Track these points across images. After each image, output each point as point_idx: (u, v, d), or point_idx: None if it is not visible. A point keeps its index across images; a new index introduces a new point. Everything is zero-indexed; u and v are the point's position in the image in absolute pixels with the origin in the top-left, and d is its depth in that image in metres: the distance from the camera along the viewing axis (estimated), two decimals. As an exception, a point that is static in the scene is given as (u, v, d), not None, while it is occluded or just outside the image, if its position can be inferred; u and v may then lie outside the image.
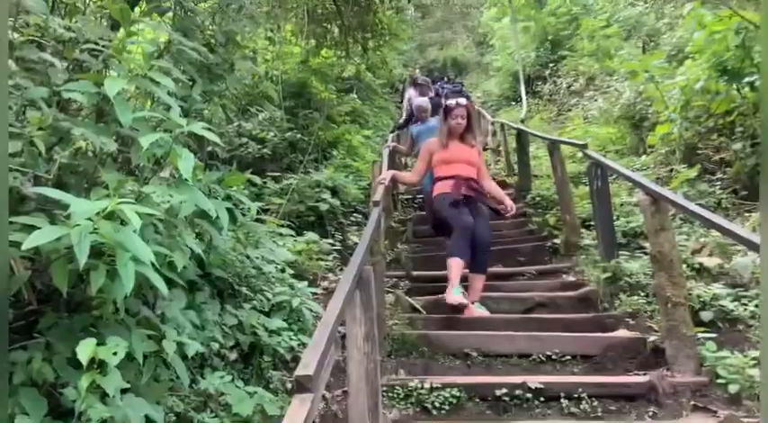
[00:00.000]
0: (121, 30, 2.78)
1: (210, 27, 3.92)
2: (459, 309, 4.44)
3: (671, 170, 7.01)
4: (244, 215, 3.80)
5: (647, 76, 7.35)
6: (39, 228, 1.93)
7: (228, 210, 3.11)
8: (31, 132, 2.23)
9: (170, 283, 2.75)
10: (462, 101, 4.87)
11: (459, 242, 4.54)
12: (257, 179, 6.34)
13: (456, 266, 4.52)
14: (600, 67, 13.21)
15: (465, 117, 4.85)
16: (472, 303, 4.51)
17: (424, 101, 7.60)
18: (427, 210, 5.08)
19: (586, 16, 15.81)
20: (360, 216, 7.81)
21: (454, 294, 4.43)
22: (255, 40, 8.54)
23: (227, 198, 3.36)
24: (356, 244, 6.74)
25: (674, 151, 7.27)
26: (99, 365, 2.11)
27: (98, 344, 2.09)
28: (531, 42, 17.80)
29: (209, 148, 4.02)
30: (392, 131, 10.65)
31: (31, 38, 2.55)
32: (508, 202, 4.75)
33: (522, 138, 8.86)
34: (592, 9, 16.69)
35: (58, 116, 2.40)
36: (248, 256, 3.96)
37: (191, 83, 3.28)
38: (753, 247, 2.76)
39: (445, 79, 21.91)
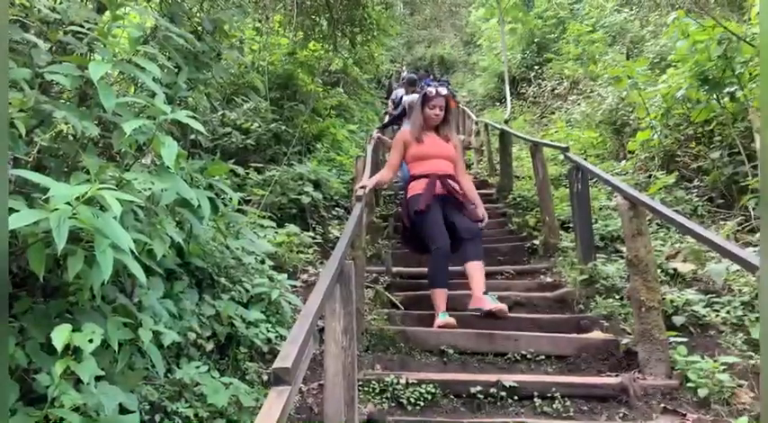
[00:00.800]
0: (107, 13, 2.74)
1: (198, 14, 3.88)
2: (448, 325, 4.12)
3: (650, 176, 7.10)
4: (225, 205, 3.78)
5: (630, 83, 7.43)
6: (17, 210, 1.90)
7: (210, 199, 3.08)
8: (12, 114, 2.19)
9: (148, 271, 2.73)
10: (442, 90, 4.47)
11: (437, 268, 4.16)
12: (240, 170, 6.36)
13: (439, 296, 4.20)
14: (584, 71, 13.35)
15: (443, 108, 4.47)
16: (484, 294, 4.10)
17: (414, 98, 7.28)
18: (402, 213, 4.61)
19: (573, 20, 15.97)
20: (341, 210, 7.83)
21: (441, 318, 4.14)
22: (243, 30, 8.49)
23: (209, 187, 3.33)
24: (337, 238, 6.83)
25: (653, 157, 7.37)
26: (74, 352, 2.08)
27: (73, 330, 2.07)
28: (517, 44, 17.91)
29: (193, 137, 3.97)
30: (378, 128, 10.63)
31: (14, 17, 2.50)
32: (481, 210, 4.47)
33: (505, 138, 8.91)
34: (578, 14, 16.86)
35: (40, 98, 2.36)
36: (228, 247, 3.93)
37: (176, 70, 3.24)
38: (726, 253, 2.81)
39: (431, 77, 22.00)
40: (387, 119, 13.44)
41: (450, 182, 4.44)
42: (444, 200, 4.38)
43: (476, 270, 4.17)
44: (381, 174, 4.65)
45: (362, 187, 4.57)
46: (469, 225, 4.28)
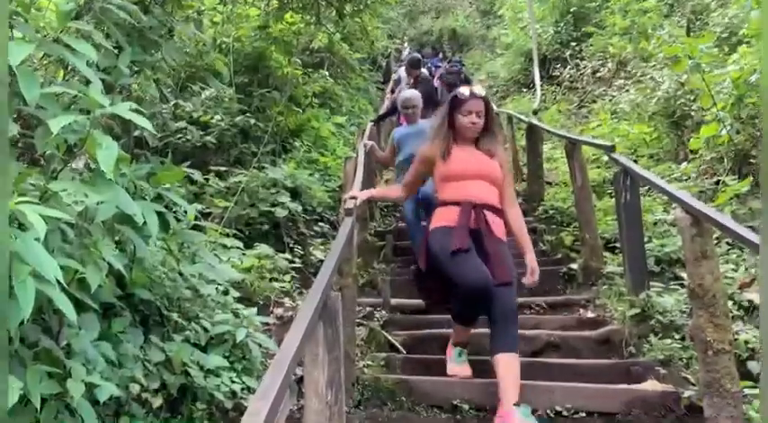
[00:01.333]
0: (30, -21, 2.76)
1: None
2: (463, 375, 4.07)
3: (717, 182, 7.14)
4: (178, 221, 3.82)
5: (691, 64, 7.48)
6: None
7: (159, 214, 3.10)
8: None
9: (80, 306, 2.73)
10: (479, 90, 4.18)
11: (465, 307, 3.89)
12: (197, 175, 6.36)
13: (460, 333, 4.17)
14: (633, 49, 13.45)
15: (482, 114, 4.14)
16: (516, 405, 3.52)
17: (412, 94, 6.89)
18: (418, 251, 4.35)
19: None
20: (326, 226, 7.92)
21: (455, 364, 4.12)
22: (202, -2, 8.57)
23: (158, 198, 3.35)
24: (320, 261, 6.90)
25: (721, 158, 7.42)
26: (-16, 411, 2.07)
27: (-17, 383, 2.06)
28: (549, 15, 18.06)
29: (137, 134, 4.00)
30: (373, 121, 10.71)
31: None
32: (531, 261, 4.05)
33: (533, 134, 8.97)
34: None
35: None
36: (182, 274, 3.96)
37: (116, 50, 3.26)
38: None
39: (440, 56, 22.13)
40: (384, 108, 13.59)
41: (489, 215, 4.03)
42: (475, 239, 3.93)
43: (508, 368, 3.65)
44: (388, 190, 4.63)
45: (353, 198, 4.57)
46: (508, 300, 3.79)
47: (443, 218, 4.03)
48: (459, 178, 4.08)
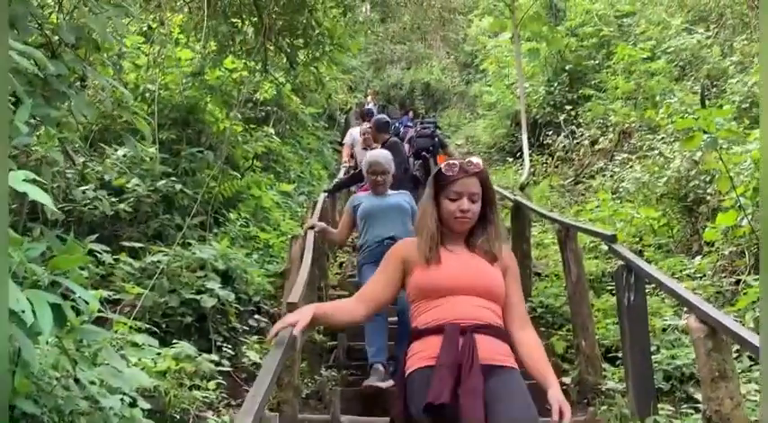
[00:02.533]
0: None
1: (55, 18, 3.94)
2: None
3: (738, 282, 7.24)
4: (78, 313, 3.72)
5: (706, 140, 7.68)
6: None
7: (53, 305, 3.03)
8: None
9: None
10: (476, 161, 3.53)
11: None
12: (105, 252, 6.27)
13: None
14: (639, 118, 13.82)
15: (479, 197, 3.53)
16: None
17: (381, 156, 6.67)
18: (393, 393, 3.93)
19: (622, 42, 16.71)
20: (264, 319, 7.81)
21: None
22: (123, 37, 8.58)
23: (52, 286, 3.28)
24: (255, 365, 6.77)
25: (742, 253, 7.54)
26: None
27: None
28: (540, 72, 18.60)
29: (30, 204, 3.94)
30: (327, 192, 10.72)
31: None
32: (557, 396, 3.34)
33: (520, 215, 9.06)
34: (630, 31, 17.67)
35: None
36: (78, 381, 3.87)
37: (14, 104, 3.25)
38: None
39: (409, 115, 22.39)
40: (341, 175, 13.65)
41: (483, 339, 3.40)
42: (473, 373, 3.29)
43: None
44: (340, 307, 3.64)
45: (291, 306, 4.43)
46: None
47: (424, 354, 3.37)
48: (444, 293, 3.44)
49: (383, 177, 6.48)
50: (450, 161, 3.61)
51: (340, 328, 6.75)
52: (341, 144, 21.91)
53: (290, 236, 8.67)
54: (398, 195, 6.60)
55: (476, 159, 3.56)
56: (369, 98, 24.16)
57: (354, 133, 13.92)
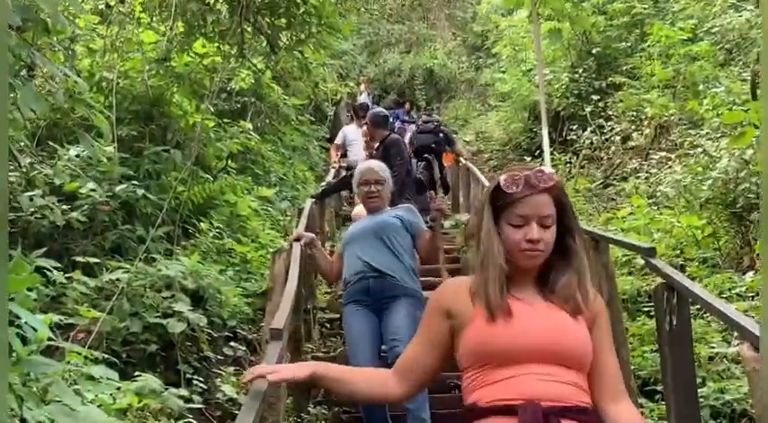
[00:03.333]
0: None
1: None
2: None
3: (798, 301, 7.14)
4: (24, 342, 3.76)
5: (759, 136, 7.60)
6: None
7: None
8: None
9: None
10: (548, 171, 2.90)
11: None
12: (56, 270, 6.15)
13: None
14: (678, 110, 13.75)
15: (553, 219, 2.90)
16: None
17: (373, 163, 6.60)
18: None
19: (658, 20, 16.62)
20: (242, 347, 7.87)
21: None
22: (76, 18, 8.46)
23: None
24: (231, 401, 6.69)
25: (802, 268, 7.44)
26: None
27: None
28: (562, 56, 18.61)
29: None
30: (314, 197, 10.63)
31: None
32: None
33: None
34: (667, 8, 17.56)
35: None
36: (25, 421, 3.85)
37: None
38: None
39: (405, 108, 22.36)
40: (329, 177, 13.55)
41: None
42: None
43: None
44: (365, 374, 3.18)
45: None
46: None
47: None
48: (516, 359, 2.83)
49: (377, 188, 6.19)
50: (512, 172, 2.91)
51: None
52: (329, 141, 21.95)
53: (271, 249, 8.61)
54: (392, 211, 6.30)
55: (547, 169, 2.93)
56: (362, 87, 24.17)
57: (348, 132, 13.85)
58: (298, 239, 6.82)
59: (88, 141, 5.58)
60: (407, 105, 22.54)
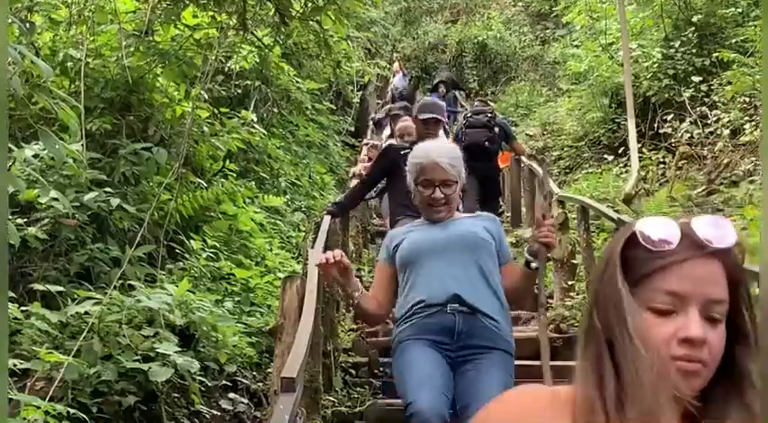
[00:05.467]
0: None
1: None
2: None
3: None
4: None
5: None
6: None
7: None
8: None
9: None
10: (725, 225, 2.09)
11: None
12: (9, 301, 6.24)
13: None
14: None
15: (725, 305, 1.72)
16: None
17: (441, 149, 5.65)
18: None
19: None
20: (243, 399, 7.87)
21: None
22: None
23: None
24: None
25: None
26: None
27: None
28: (654, 26, 18.42)
29: None
30: (332, 214, 9.91)
31: None
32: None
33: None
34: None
35: None
36: None
37: None
38: None
39: (440, 91, 21.90)
40: (354, 179, 13.34)
41: None
42: None
43: None
44: None
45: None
46: None
47: None
48: None
49: (445, 193, 5.40)
50: (656, 222, 2.09)
51: None
52: (354, 135, 21.87)
53: (281, 275, 8.58)
54: (474, 219, 5.68)
55: (724, 221, 2.13)
56: (395, 66, 24.22)
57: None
58: (327, 265, 5.05)
59: (50, 139, 5.66)
60: (441, 88, 21.81)
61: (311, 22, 10.69)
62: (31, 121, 7.58)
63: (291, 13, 10.07)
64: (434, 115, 8.59)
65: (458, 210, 5.80)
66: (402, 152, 7.79)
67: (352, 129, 22.07)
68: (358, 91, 22.53)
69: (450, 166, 5.39)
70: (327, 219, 9.70)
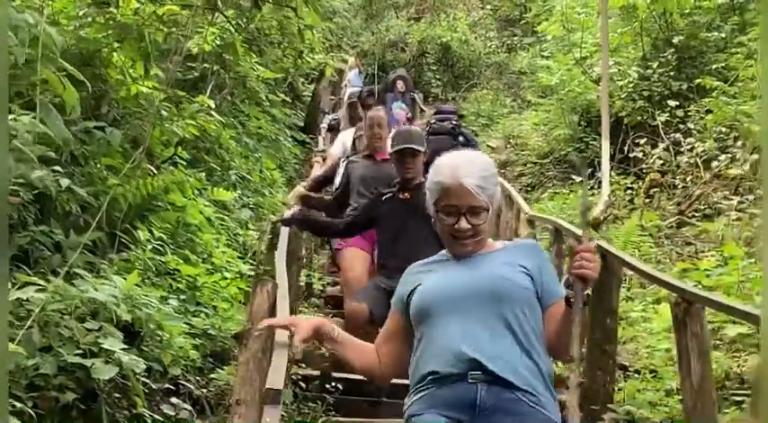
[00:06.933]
0: None
1: None
2: None
3: None
4: None
5: None
6: None
7: None
8: None
9: None
10: None
11: None
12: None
13: None
14: (787, 130, 13.68)
15: None
16: None
17: (475, 173, 4.46)
18: None
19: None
20: (186, 404, 7.84)
21: None
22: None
23: None
24: None
25: None
26: None
27: None
28: (631, 45, 18.48)
29: None
30: (287, 222, 9.68)
31: None
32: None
33: (603, 271, 8.91)
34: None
35: None
36: None
37: None
38: None
39: (398, 87, 21.68)
40: (311, 179, 13.05)
41: None
42: None
43: None
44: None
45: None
46: None
47: None
48: None
49: (475, 223, 4.51)
50: None
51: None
52: (303, 131, 21.70)
53: (228, 275, 8.46)
54: (509, 253, 4.69)
55: None
56: (351, 62, 24.06)
57: (347, 140, 12.82)
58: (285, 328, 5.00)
59: (52, 113, 5.48)
60: (400, 84, 20.67)
61: (285, 7, 10.55)
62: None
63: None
64: (410, 145, 7.98)
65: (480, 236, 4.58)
66: (384, 198, 7.78)
67: (302, 124, 21.94)
68: (309, 84, 22.46)
69: (479, 188, 4.42)
70: (285, 233, 9.58)
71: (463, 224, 4.41)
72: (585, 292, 4.12)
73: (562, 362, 6.73)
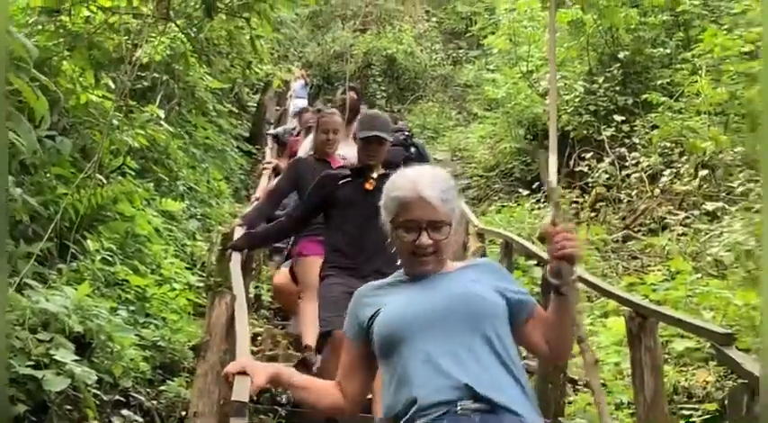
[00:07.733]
0: None
1: None
2: None
3: None
4: None
5: None
6: None
7: None
8: None
9: None
10: None
11: None
12: None
13: None
14: (731, 145, 13.77)
15: None
16: None
17: (437, 187, 4.35)
18: None
19: (710, 23, 16.60)
20: (137, 416, 7.83)
21: None
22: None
23: None
24: None
25: None
26: None
27: None
28: (576, 60, 18.60)
29: None
30: (234, 247, 9.55)
31: None
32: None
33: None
34: (724, 9, 17.42)
35: None
36: None
37: None
38: None
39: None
40: (255, 198, 13.00)
41: None
42: None
43: None
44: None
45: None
46: None
47: None
48: None
49: (436, 238, 4.29)
50: None
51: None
52: (248, 141, 21.66)
53: (176, 286, 8.45)
54: (472, 271, 4.47)
55: None
56: (296, 72, 24.03)
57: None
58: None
59: (24, 125, 5.50)
60: (352, 96, 20.05)
61: (240, 18, 10.56)
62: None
63: (219, 8, 9.94)
64: (377, 133, 7.61)
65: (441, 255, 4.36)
66: (341, 181, 7.54)
67: (247, 134, 21.91)
68: (255, 94, 22.40)
69: (441, 201, 4.24)
70: (237, 258, 9.36)
71: (424, 240, 4.20)
72: (575, 270, 4.01)
73: (564, 358, 6.94)
